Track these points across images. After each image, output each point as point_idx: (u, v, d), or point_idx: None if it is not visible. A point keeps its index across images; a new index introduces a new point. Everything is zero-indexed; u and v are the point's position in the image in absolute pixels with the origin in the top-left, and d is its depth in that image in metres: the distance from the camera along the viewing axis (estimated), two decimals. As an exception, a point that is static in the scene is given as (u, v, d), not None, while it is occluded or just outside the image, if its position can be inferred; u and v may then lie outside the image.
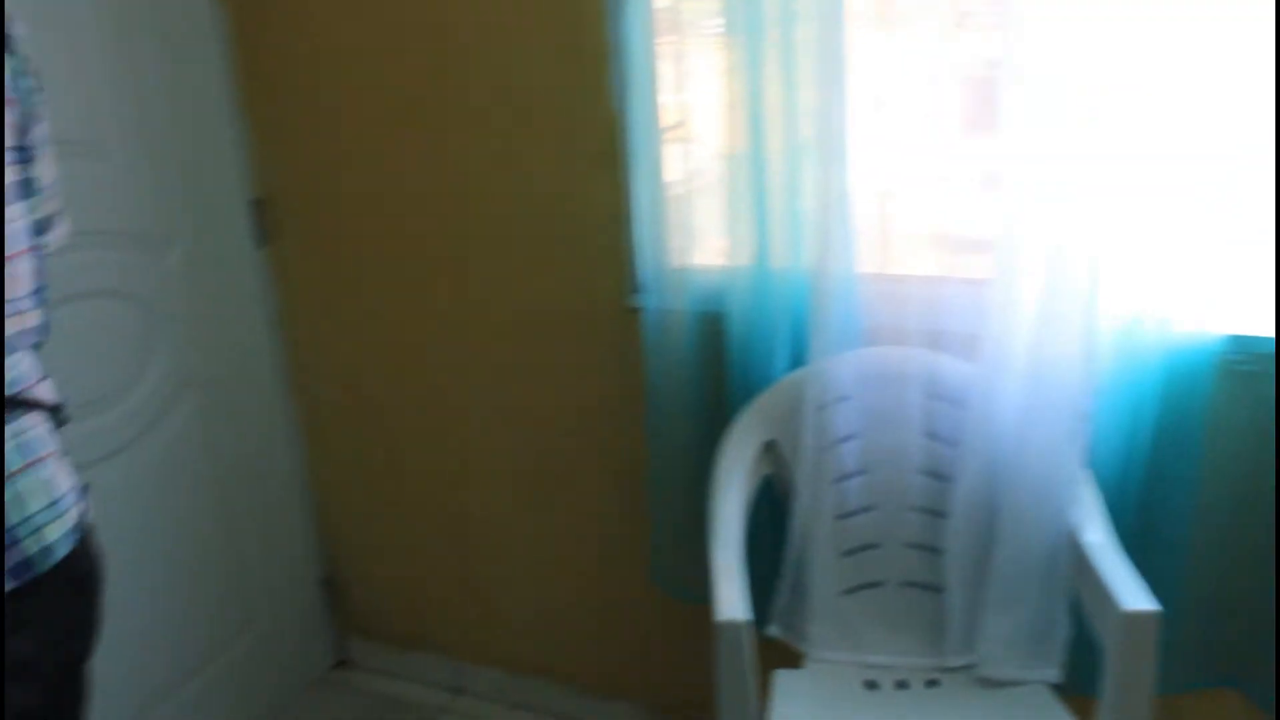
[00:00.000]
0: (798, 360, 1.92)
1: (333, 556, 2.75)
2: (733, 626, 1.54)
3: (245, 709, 2.53)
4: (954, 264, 1.83)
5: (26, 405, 1.21)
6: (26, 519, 1.18)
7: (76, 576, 1.27)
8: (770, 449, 1.90)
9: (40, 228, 1.29)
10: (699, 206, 1.93)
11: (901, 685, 1.82)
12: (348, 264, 2.42)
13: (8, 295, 1.18)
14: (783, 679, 1.83)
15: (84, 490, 1.31)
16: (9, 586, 1.14)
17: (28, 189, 1.23)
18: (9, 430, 1.17)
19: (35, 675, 1.24)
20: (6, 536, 1.14)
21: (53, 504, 1.21)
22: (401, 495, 2.59)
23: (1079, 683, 1.73)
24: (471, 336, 2.32)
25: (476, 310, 2.29)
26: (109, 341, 2.10)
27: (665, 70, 1.89)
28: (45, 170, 1.31)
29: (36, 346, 1.25)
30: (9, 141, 1.18)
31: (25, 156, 1.23)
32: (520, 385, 2.31)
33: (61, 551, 1.21)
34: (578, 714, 2.53)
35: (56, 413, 1.28)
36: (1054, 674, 1.75)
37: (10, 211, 1.18)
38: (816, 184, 1.78)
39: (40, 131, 1.28)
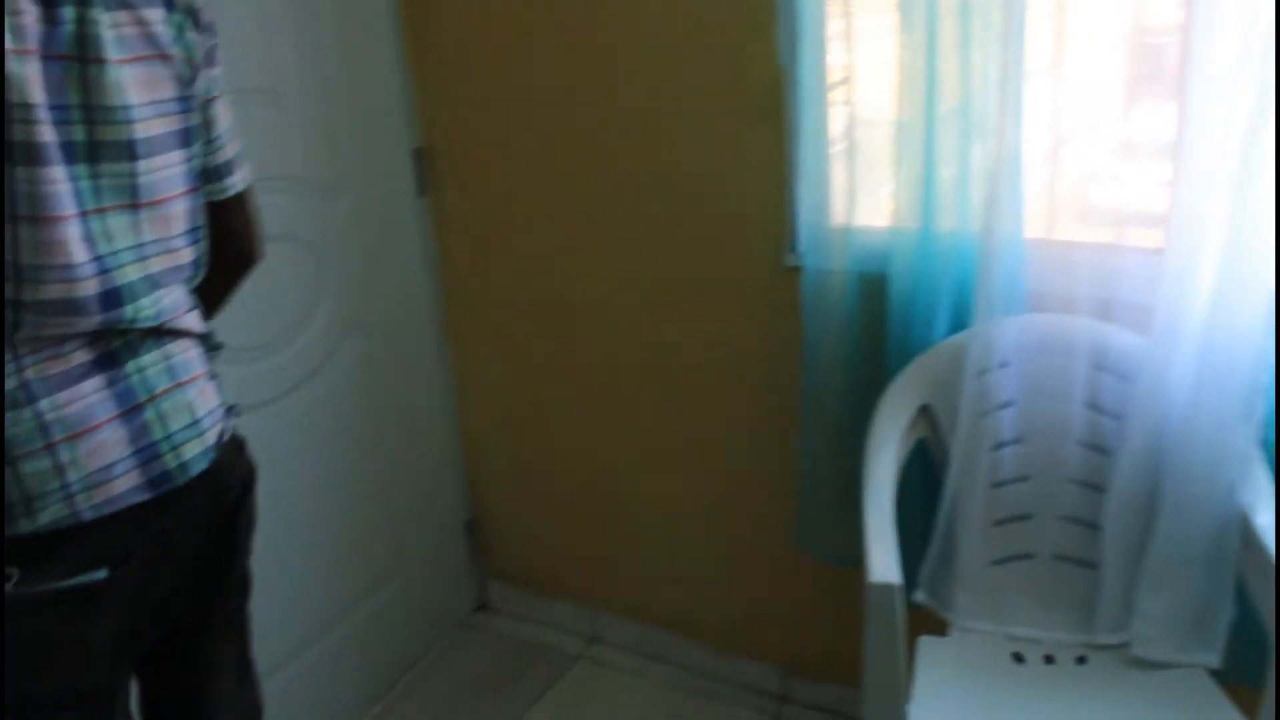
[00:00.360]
0: (958, 326, 1.89)
1: (477, 501, 2.82)
2: (885, 589, 1.53)
3: (394, 649, 2.61)
4: (1126, 232, 1.77)
5: (175, 333, 1.32)
6: (168, 436, 1.29)
7: (218, 488, 1.38)
8: (925, 412, 1.88)
9: (216, 173, 1.41)
10: (862, 166, 1.90)
11: (1049, 660, 1.78)
12: (504, 215, 2.46)
13: (161, 234, 1.29)
14: (927, 646, 1.81)
15: (229, 410, 1.43)
16: (149, 496, 1.27)
17: (186, 137, 1.32)
18: (159, 354, 1.30)
19: (195, 569, 1.40)
20: (150, 450, 1.27)
21: (194, 423, 1.33)
22: (548, 443, 2.63)
23: (1241, 670, 1.67)
24: (624, 290, 2.34)
25: (630, 264, 2.31)
26: (283, 285, 2.16)
27: (833, 27, 1.86)
28: (222, 116, 1.41)
29: (188, 281, 1.36)
30: (172, 93, 1.29)
31: (186, 107, 1.31)
32: (671, 340, 2.32)
33: (198, 467, 1.33)
34: (711, 670, 2.55)
35: (206, 340, 1.40)
36: (1213, 659, 1.69)
37: (169, 157, 1.29)
38: (987, 146, 1.74)
39: (207, 80, 1.36)
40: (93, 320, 1.21)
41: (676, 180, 2.18)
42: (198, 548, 1.38)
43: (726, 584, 2.47)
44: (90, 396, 1.22)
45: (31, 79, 1.12)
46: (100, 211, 1.21)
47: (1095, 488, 1.81)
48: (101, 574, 1.25)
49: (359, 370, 2.39)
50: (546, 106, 2.29)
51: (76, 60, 1.16)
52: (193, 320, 1.36)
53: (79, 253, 1.17)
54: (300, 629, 2.31)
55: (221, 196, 1.44)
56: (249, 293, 1.80)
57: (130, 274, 1.24)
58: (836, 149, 1.92)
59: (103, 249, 1.21)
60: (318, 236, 2.23)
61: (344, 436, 2.38)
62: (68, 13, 1.16)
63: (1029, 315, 1.83)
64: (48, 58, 1.14)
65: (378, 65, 2.36)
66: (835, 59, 1.87)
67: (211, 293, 1.47)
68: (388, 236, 2.44)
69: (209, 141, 1.39)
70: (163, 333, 1.30)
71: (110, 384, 1.24)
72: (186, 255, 1.34)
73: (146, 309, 1.26)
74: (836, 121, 1.91)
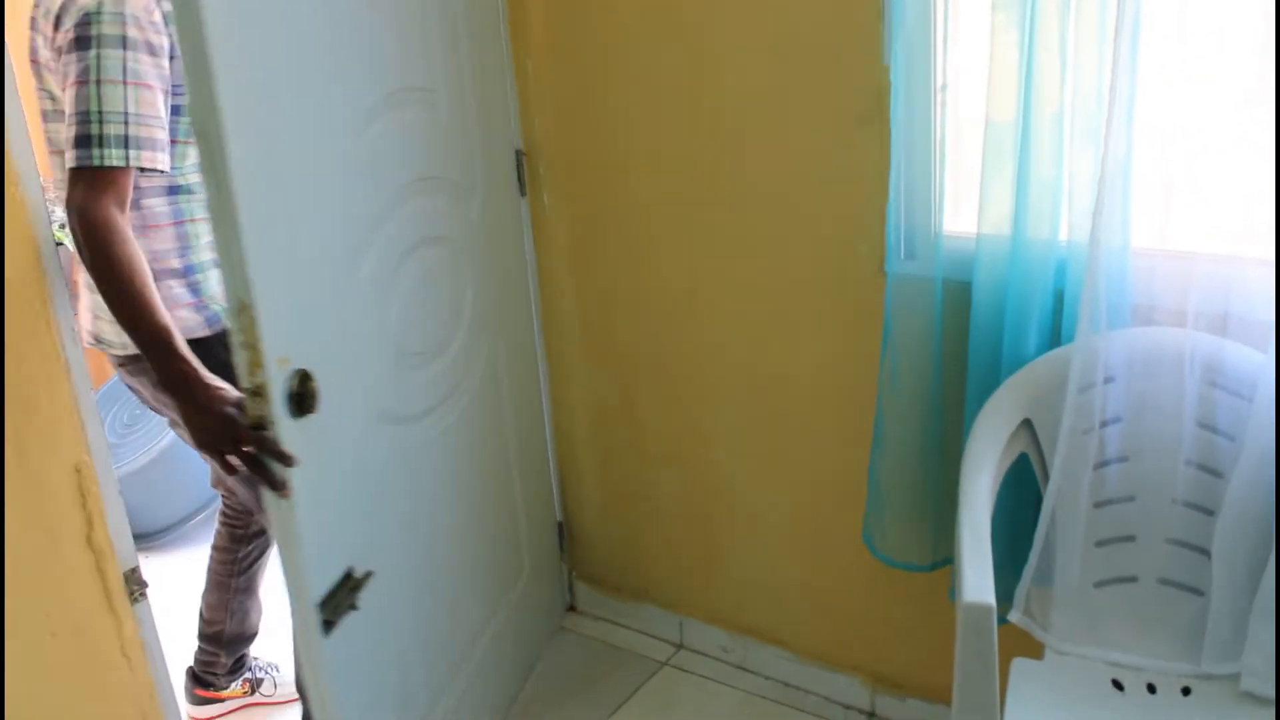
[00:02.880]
0: (1051, 337, 1.82)
1: (567, 503, 2.82)
2: (980, 609, 1.48)
3: (521, 656, 2.60)
4: (1246, 242, 1.68)
5: None
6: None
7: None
8: (1026, 427, 1.81)
9: None
10: (959, 171, 1.84)
11: (1151, 690, 1.71)
12: (598, 218, 2.44)
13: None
14: (1021, 669, 1.75)
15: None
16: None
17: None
18: None
19: None
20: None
21: None
22: (638, 447, 2.61)
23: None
24: (719, 295, 2.31)
25: (726, 270, 2.27)
26: (442, 287, 2.15)
27: (940, 28, 1.81)
28: (69, 102, 1.75)
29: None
30: (40, 87, 1.88)
31: (51, 98, 1.85)
32: (768, 346, 2.28)
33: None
34: (797, 680, 2.51)
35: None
36: (1331, 698, 1.61)
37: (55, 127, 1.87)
38: (1095, 152, 1.67)
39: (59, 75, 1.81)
40: None
41: (777, 184, 2.13)
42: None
43: (816, 594, 2.43)
44: None
45: None
46: None
47: (1205, 511, 1.73)
48: None
49: (496, 371, 2.39)
50: (643, 110, 2.26)
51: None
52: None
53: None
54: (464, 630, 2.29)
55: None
56: (415, 294, 2.00)
57: None
58: (938, 154, 1.86)
59: None
60: (461, 238, 2.22)
61: (481, 438, 2.35)
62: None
63: (1138, 329, 1.75)
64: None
65: (496, 67, 2.34)
66: (941, 61, 1.82)
67: None
68: (504, 238, 2.42)
69: None
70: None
71: None
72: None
73: None
74: (938, 125, 1.85)
